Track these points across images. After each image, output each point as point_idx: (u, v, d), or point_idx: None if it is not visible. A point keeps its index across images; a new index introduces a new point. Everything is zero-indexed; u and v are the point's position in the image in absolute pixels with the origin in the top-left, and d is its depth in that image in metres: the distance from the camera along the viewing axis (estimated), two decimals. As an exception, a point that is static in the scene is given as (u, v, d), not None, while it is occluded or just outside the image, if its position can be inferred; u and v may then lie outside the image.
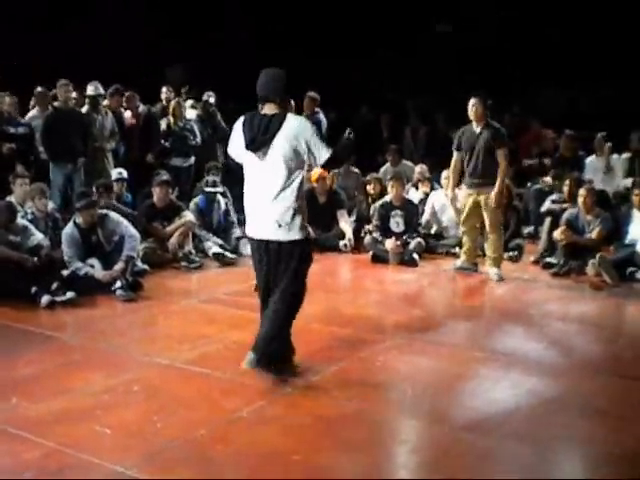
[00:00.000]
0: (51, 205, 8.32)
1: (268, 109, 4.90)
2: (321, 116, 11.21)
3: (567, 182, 9.42)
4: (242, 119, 4.98)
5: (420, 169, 10.83)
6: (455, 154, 8.25)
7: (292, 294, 4.96)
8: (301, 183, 4.90)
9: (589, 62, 13.14)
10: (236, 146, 5.04)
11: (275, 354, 4.99)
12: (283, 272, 4.93)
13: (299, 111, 10.35)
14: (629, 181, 10.12)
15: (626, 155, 10.79)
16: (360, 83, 13.99)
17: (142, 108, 11.13)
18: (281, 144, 4.80)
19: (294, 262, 4.91)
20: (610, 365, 5.59)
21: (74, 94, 10.09)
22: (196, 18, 14.18)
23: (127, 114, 10.85)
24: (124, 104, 10.91)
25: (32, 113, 10.26)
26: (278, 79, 4.93)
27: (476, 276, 8.25)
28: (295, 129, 4.82)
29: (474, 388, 5.09)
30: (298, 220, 4.88)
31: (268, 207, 4.86)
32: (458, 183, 8.39)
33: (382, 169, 11.46)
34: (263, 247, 4.97)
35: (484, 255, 8.43)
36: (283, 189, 4.83)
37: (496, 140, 7.94)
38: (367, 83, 14.05)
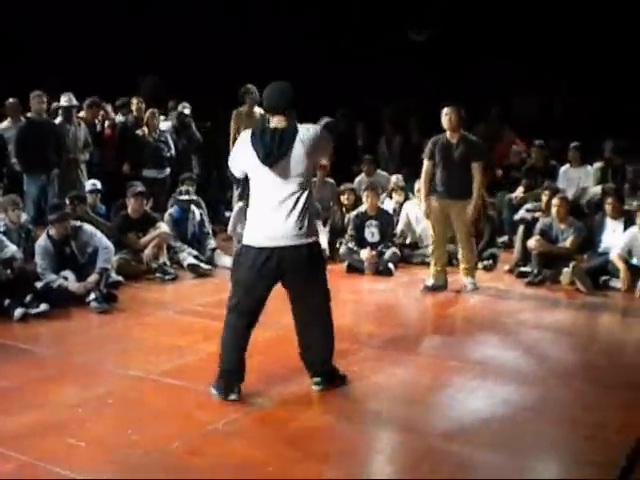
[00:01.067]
0: (24, 217, 8.25)
1: (277, 121, 4.86)
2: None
3: (546, 192, 9.46)
4: (249, 133, 4.88)
5: (395, 179, 10.84)
6: (426, 163, 7.95)
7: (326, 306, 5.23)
8: (311, 189, 4.95)
9: (565, 68, 13.24)
10: (244, 162, 4.91)
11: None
12: (309, 282, 5.04)
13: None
14: (599, 188, 10.20)
15: (598, 164, 10.82)
16: (335, 90, 13.97)
17: (118, 119, 11.11)
18: (298, 156, 4.75)
19: (317, 268, 5.07)
20: (584, 373, 5.63)
21: (54, 104, 10.07)
22: (172, 28, 14.13)
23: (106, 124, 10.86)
24: (100, 117, 10.88)
25: (4, 124, 10.18)
26: (285, 91, 4.91)
27: (451, 286, 8.23)
28: (312, 139, 4.79)
29: (449, 397, 5.10)
30: (314, 224, 4.94)
31: (285, 216, 4.80)
32: (428, 193, 8.01)
33: (357, 179, 11.45)
34: (271, 255, 4.84)
35: (457, 264, 8.43)
36: (300, 197, 4.80)
37: (473, 154, 7.77)
38: (342, 91, 14.03)
